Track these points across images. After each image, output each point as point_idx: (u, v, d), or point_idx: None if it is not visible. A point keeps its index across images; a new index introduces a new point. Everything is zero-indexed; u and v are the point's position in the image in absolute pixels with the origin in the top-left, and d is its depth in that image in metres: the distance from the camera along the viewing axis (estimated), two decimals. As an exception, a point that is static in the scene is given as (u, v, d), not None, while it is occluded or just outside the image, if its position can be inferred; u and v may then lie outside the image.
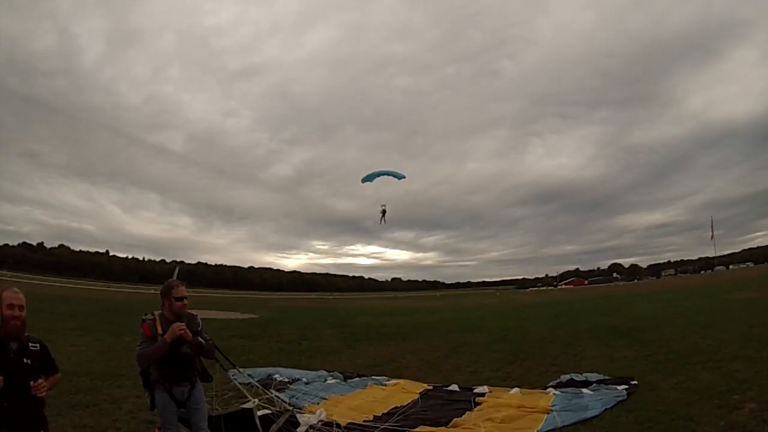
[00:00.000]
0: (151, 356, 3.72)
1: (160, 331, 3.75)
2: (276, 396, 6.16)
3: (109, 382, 7.66)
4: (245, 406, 4.79)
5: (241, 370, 5.91)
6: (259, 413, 4.88)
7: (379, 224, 23.46)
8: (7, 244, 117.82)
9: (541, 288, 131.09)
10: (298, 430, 5.03)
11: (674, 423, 5.17)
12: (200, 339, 3.86)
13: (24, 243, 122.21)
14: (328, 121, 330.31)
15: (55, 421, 5.22)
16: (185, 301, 3.90)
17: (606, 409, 5.80)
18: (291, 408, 5.17)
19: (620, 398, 6.24)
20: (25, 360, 2.86)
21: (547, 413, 5.75)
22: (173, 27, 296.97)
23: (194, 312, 4.06)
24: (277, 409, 5.08)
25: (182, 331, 3.70)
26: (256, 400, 4.99)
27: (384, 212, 30.09)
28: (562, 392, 6.83)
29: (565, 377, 7.95)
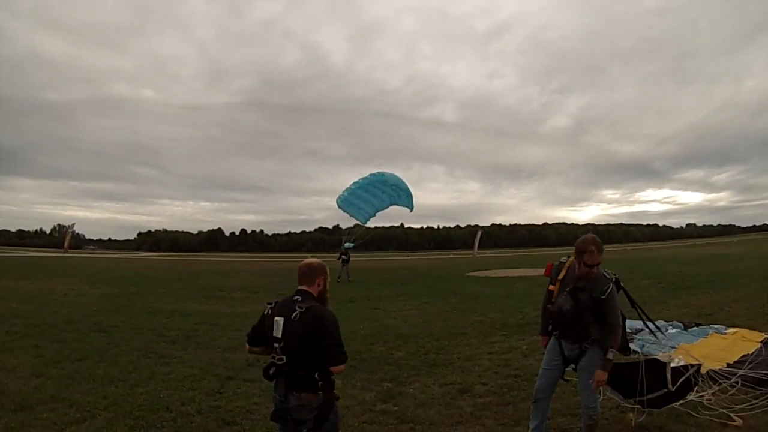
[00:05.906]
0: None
1: (560, 276, 3.56)
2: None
3: (454, 341, 7.79)
4: (659, 357, 4.54)
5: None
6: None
7: (337, 280, 17.71)
8: (304, 231, 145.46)
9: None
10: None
11: None
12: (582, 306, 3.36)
13: (320, 227, 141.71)
14: (592, 62, 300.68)
15: (418, 380, 5.64)
16: (594, 269, 3.39)
17: None
18: (699, 361, 4.72)
19: None
20: None
21: None
22: (408, 7, 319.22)
23: (609, 274, 3.48)
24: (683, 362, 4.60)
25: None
26: (676, 355, 4.86)
27: (346, 260, 21.71)
28: None
29: None
